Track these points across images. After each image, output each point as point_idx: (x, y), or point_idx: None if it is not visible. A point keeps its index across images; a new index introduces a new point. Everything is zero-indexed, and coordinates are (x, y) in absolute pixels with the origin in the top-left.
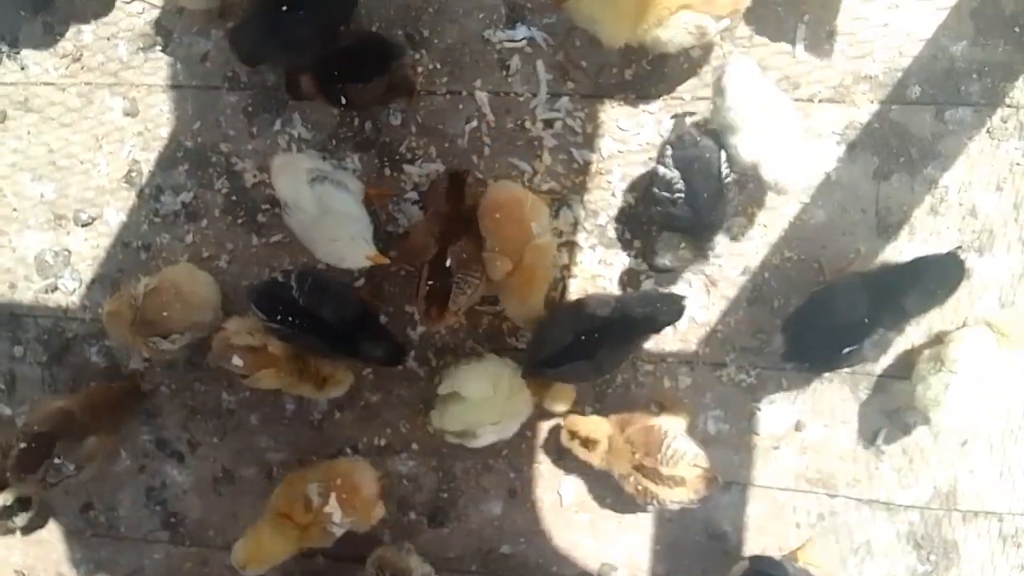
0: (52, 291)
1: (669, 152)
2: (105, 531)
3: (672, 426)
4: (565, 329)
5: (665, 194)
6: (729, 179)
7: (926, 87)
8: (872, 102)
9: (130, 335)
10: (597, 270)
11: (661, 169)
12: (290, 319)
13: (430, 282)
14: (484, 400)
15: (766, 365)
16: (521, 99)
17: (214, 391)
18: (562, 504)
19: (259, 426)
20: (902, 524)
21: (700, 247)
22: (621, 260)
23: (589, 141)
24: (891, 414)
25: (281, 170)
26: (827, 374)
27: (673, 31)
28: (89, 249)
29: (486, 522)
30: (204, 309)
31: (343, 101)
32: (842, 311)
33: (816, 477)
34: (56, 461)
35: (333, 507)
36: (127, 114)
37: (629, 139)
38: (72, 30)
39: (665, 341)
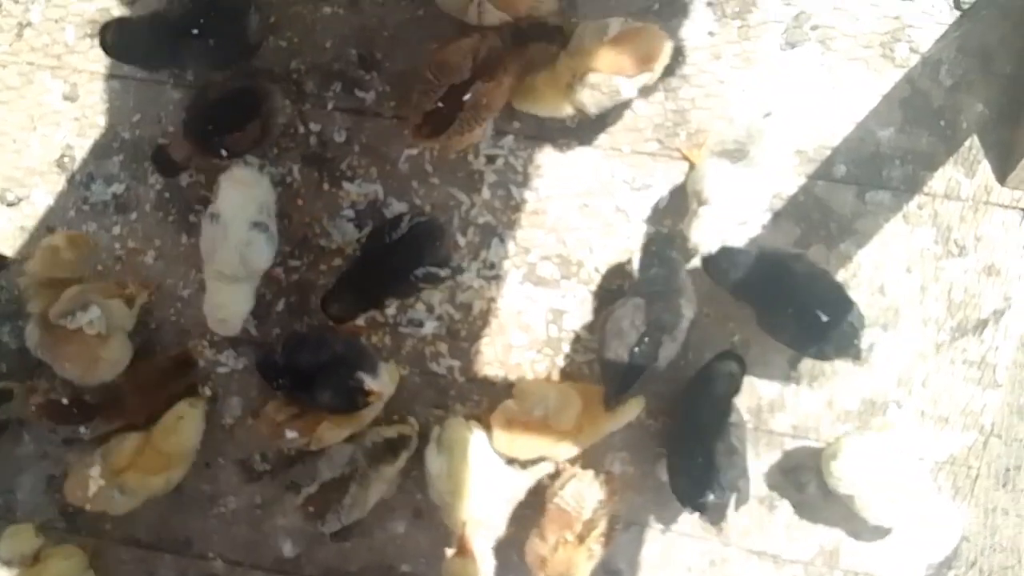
0: None
1: None
2: (1, 513)
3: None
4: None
5: None
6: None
7: (852, 167)
8: (800, 175)
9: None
10: (522, 306)
11: None
12: (280, 380)
13: (440, 103)
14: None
15: (671, 414)
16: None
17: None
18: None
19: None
20: None
21: None
22: (547, 298)
23: (527, 180)
24: (787, 472)
25: (235, 186)
26: None
27: (587, 94)
28: (12, 229)
29: (389, 540)
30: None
31: (223, 152)
32: None
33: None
34: (82, 430)
35: None
36: (66, 98)
37: (566, 183)
38: (19, 7)
39: (580, 380)
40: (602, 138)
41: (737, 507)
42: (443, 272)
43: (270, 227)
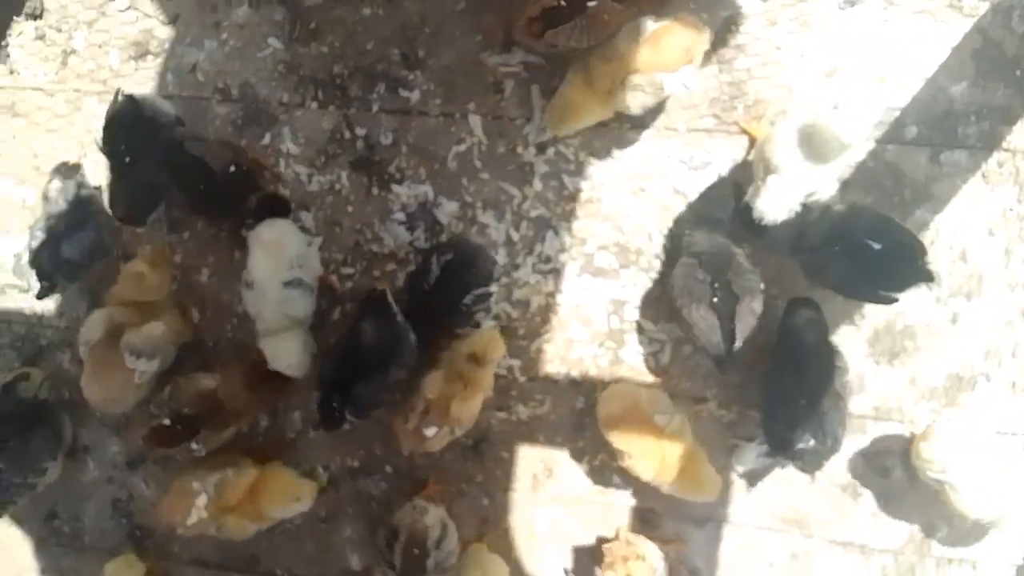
0: (24, 291)
1: None
2: (69, 541)
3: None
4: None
5: None
6: None
7: (923, 128)
8: (868, 140)
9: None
10: (581, 299)
11: None
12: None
13: (563, 1)
14: None
15: (747, 403)
16: (515, 123)
17: None
18: (535, 534)
19: (231, 441)
20: (875, 568)
21: None
22: (606, 289)
23: (581, 168)
24: (870, 457)
25: (262, 249)
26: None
27: (631, 97)
28: None
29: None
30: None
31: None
32: None
33: (792, 517)
34: (194, 446)
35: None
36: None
37: (620, 169)
38: (63, 36)
39: (645, 372)
40: (656, 118)
41: (829, 456)
42: (491, 289)
43: (305, 279)
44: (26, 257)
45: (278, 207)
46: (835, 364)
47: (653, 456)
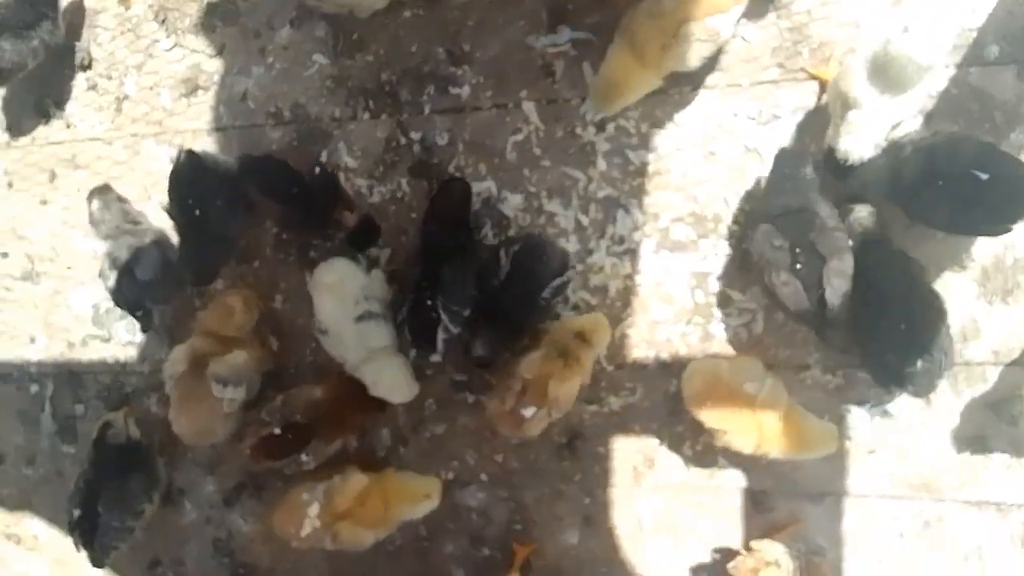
0: (106, 341)
1: None
2: None
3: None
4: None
5: None
6: None
7: (1005, 45)
8: (948, 66)
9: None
10: (661, 276)
11: None
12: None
13: None
14: None
15: (853, 364)
16: (570, 104)
17: None
18: (642, 528)
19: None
20: (1015, 524)
21: None
22: (686, 262)
23: (644, 140)
24: (995, 405)
25: (324, 293)
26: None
27: (687, 50)
28: None
29: (563, 552)
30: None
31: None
32: None
33: (918, 481)
34: (303, 457)
35: None
36: (174, 161)
37: (686, 135)
38: (114, 83)
39: (739, 344)
40: (716, 77)
41: (943, 373)
42: (566, 278)
43: (374, 309)
44: (105, 307)
45: (373, 231)
46: (922, 280)
47: (749, 428)
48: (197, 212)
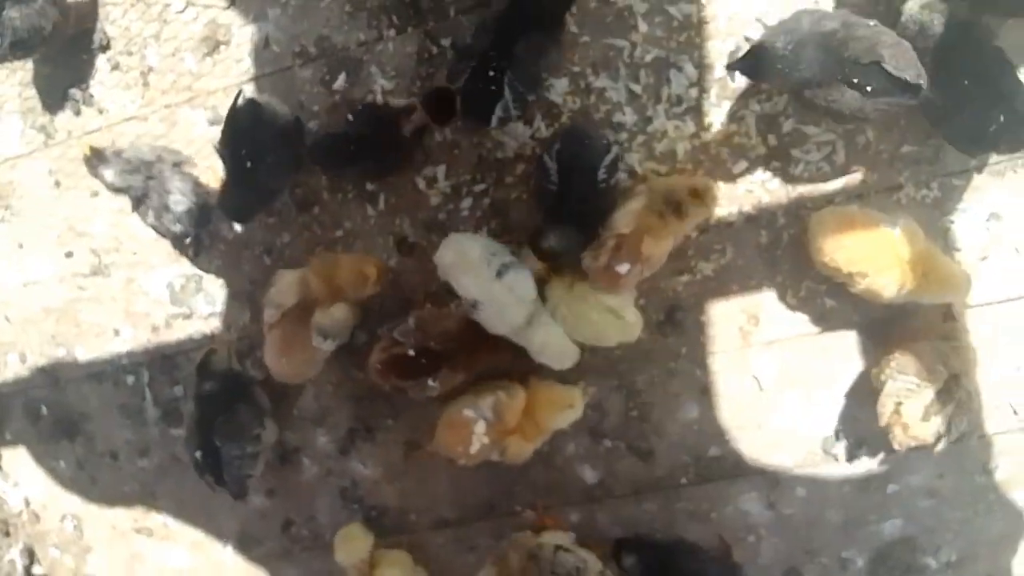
0: (188, 317)
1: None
2: (311, 543)
3: None
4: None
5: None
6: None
7: None
8: None
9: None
10: (729, 128)
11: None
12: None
13: None
14: None
15: (946, 171)
16: None
17: None
18: (761, 388)
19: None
20: None
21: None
22: (753, 109)
23: None
24: None
25: (458, 271)
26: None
27: None
28: (214, 267)
29: (686, 429)
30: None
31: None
32: None
33: None
34: (431, 383)
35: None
36: (212, 123)
37: None
38: (135, 59)
39: (825, 179)
40: None
41: None
42: (614, 153)
43: (507, 260)
44: (179, 284)
45: (447, 99)
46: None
47: (892, 267)
48: (248, 164)
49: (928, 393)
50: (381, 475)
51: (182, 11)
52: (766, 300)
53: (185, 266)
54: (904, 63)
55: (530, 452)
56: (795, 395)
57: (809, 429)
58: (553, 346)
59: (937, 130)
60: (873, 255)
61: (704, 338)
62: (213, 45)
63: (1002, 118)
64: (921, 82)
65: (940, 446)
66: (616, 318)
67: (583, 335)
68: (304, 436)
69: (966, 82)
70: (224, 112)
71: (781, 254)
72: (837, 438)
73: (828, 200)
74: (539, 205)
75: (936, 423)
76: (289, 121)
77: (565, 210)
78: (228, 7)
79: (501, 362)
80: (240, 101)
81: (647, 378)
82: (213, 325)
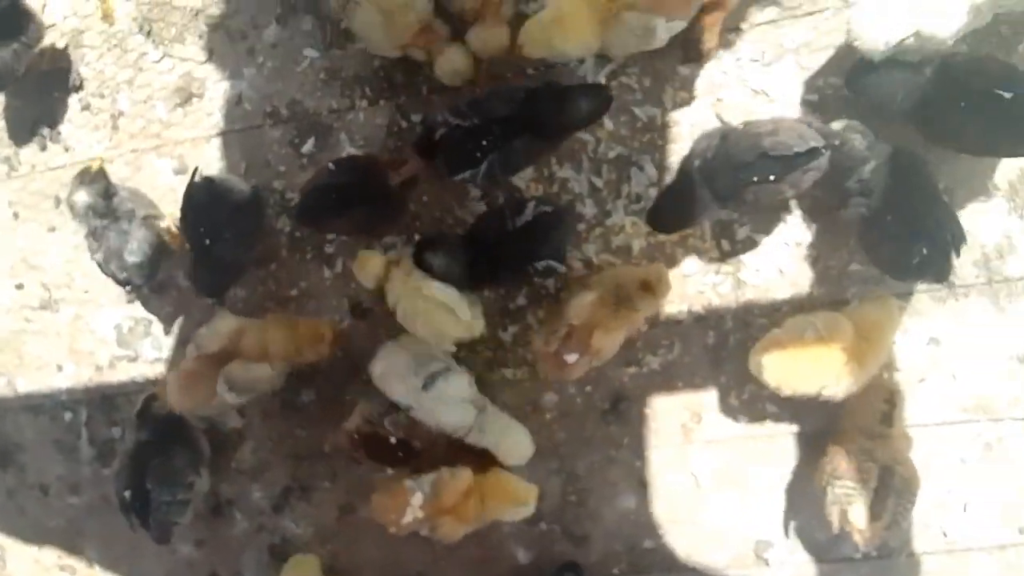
0: (133, 360)
1: None
2: None
3: None
4: None
5: None
6: None
7: None
8: None
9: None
10: (686, 229)
11: None
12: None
13: None
14: None
15: (890, 292)
16: (568, 67)
17: (317, 432)
18: (699, 485)
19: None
20: None
21: None
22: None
23: (648, 95)
24: None
25: (390, 379)
26: (961, 288)
27: (618, 34)
28: (164, 314)
29: (622, 518)
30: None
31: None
32: None
33: (972, 404)
34: (389, 471)
35: None
36: (177, 172)
37: (691, 83)
38: (107, 101)
39: (775, 289)
40: None
41: (958, 250)
42: (562, 268)
43: (436, 367)
44: (127, 326)
45: (427, 145)
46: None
47: (837, 366)
48: (207, 241)
49: (867, 493)
50: (312, 535)
51: (158, 61)
52: (709, 399)
53: (135, 309)
54: (788, 139)
55: (462, 534)
56: (732, 495)
57: (743, 531)
58: (505, 443)
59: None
60: (818, 367)
61: (646, 430)
62: (186, 96)
63: (924, 251)
64: (813, 144)
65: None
66: (450, 315)
67: (422, 330)
68: (239, 489)
69: (889, 218)
70: (190, 162)
71: (726, 356)
72: (770, 543)
73: (775, 309)
74: (475, 232)
75: (886, 519)
76: (246, 196)
77: (492, 251)
78: (205, 61)
79: (485, 467)
80: (196, 179)
81: (587, 464)
82: (158, 370)
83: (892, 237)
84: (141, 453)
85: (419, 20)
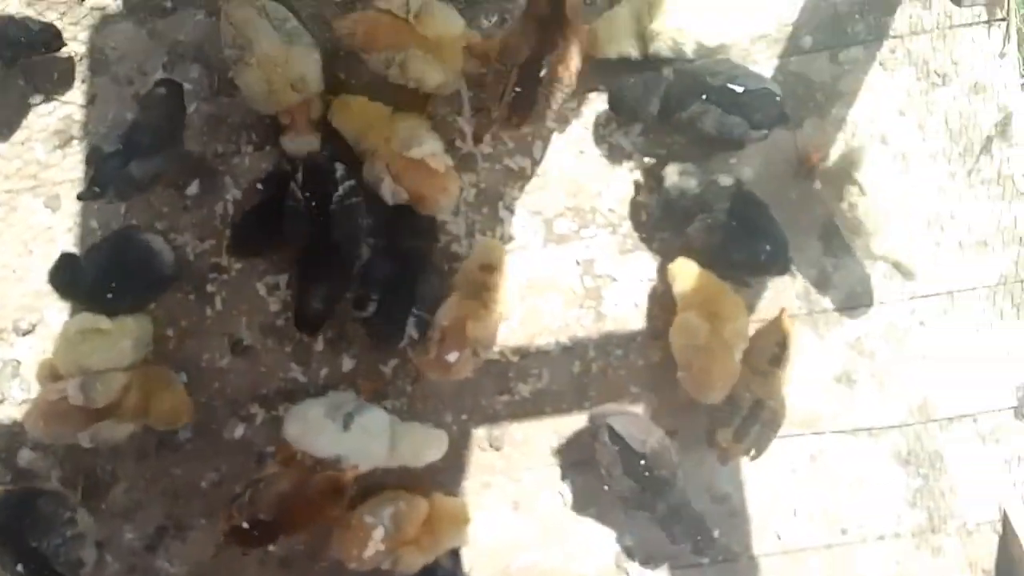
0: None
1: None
2: None
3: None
4: None
5: None
6: None
7: (817, 35)
8: (771, 58)
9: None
10: (551, 268)
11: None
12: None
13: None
14: None
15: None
16: (446, 121)
17: (194, 469)
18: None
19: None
20: (886, 446)
21: None
22: (572, 253)
23: (520, 147)
24: (853, 344)
25: (309, 437)
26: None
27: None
28: (35, 356)
29: (497, 539)
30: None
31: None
32: None
33: (799, 419)
34: (271, 548)
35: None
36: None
37: (557, 136)
38: None
39: (630, 320)
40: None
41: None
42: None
43: (351, 406)
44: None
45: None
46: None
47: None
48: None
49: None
50: (187, 574)
51: (38, 104)
52: (575, 423)
53: (3, 350)
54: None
55: (420, 565)
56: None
57: (605, 544)
58: (419, 445)
59: (720, 270)
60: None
61: (519, 455)
62: (66, 139)
63: (768, 247)
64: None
65: (752, 457)
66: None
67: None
68: (110, 531)
69: (734, 223)
70: (67, 204)
71: (589, 382)
72: (629, 555)
73: (632, 339)
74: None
75: (747, 443)
76: (98, 276)
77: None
78: (86, 105)
79: (334, 519)
80: (57, 263)
81: (461, 490)
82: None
83: (737, 239)
84: (9, 521)
85: (304, 97)
